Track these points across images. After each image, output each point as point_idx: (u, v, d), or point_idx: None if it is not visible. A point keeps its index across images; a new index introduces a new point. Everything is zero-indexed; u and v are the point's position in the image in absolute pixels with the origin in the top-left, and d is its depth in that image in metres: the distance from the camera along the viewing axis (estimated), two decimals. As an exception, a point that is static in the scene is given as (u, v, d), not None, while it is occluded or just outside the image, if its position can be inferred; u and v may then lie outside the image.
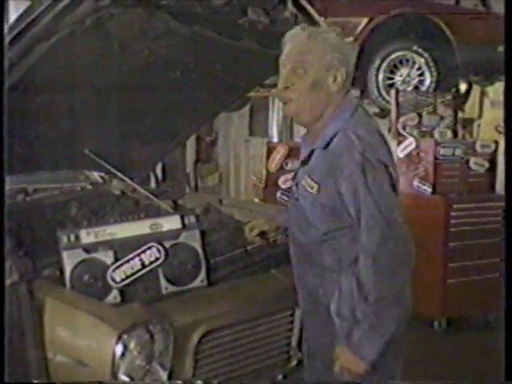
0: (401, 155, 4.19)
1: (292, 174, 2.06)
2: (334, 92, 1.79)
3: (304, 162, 1.87)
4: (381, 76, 4.73)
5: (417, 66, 4.71)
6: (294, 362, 2.20)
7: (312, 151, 1.84)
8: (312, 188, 1.80)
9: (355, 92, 4.84)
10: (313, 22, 2.39)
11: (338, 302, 1.82)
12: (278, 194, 4.03)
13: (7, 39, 1.91)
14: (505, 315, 1.80)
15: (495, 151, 4.27)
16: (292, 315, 2.18)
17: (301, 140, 2.02)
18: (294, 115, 1.85)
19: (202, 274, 2.11)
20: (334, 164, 1.75)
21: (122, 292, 1.98)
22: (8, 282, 1.82)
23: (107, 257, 1.98)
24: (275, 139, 5.25)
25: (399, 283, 1.75)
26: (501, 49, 4.24)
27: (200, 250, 2.11)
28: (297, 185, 1.89)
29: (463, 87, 5.11)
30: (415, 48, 4.60)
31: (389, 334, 1.74)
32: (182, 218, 2.11)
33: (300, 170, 1.89)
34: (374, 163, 1.73)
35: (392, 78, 4.81)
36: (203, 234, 2.14)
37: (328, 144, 1.78)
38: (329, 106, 1.80)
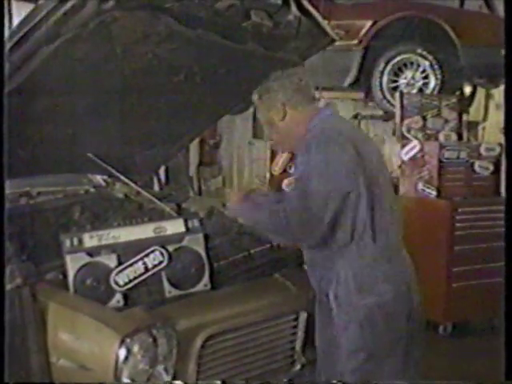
0: (405, 158, 4.17)
1: None
2: (289, 120, 2.03)
3: None
4: (385, 79, 4.72)
5: (421, 68, 4.70)
6: (298, 366, 2.20)
7: None
8: None
9: (359, 95, 4.85)
10: (316, 25, 2.39)
11: (335, 290, 1.94)
12: (282, 198, 4.02)
13: (11, 43, 1.91)
14: (505, 315, 1.79)
15: (500, 154, 4.25)
16: (296, 319, 2.17)
17: None
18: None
19: (206, 278, 2.10)
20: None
21: (125, 296, 1.98)
22: (11, 285, 1.82)
23: (110, 260, 1.98)
24: (279, 142, 5.23)
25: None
26: (505, 51, 4.23)
27: (203, 254, 2.11)
28: None
29: (468, 90, 5.09)
30: (420, 51, 4.59)
31: (262, 227, 2.06)
32: (186, 221, 2.11)
33: None
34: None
35: (396, 81, 4.80)
36: (207, 237, 2.14)
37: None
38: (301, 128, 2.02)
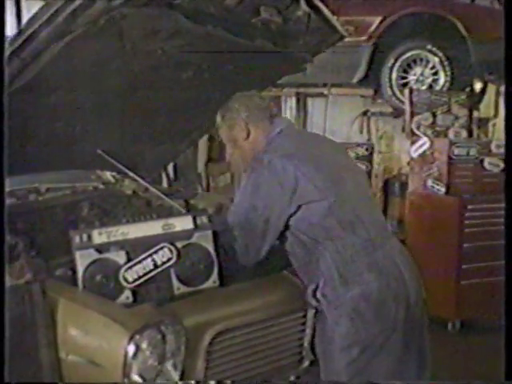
0: (414, 155, 4.16)
1: None
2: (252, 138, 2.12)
3: None
4: (394, 75, 4.70)
5: (431, 65, 4.67)
6: (307, 363, 2.19)
7: None
8: None
9: (369, 91, 4.83)
10: (326, 22, 2.38)
11: (322, 287, 2.02)
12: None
13: (20, 40, 1.92)
14: (505, 315, 1.78)
15: (510, 151, 4.22)
16: (304, 316, 2.17)
17: None
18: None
19: (214, 275, 2.10)
20: None
21: (134, 292, 1.98)
22: (21, 281, 1.83)
23: (119, 257, 1.98)
24: (288, 139, 5.22)
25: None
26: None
27: (212, 251, 2.10)
28: None
29: (478, 86, 5.06)
30: (429, 47, 4.57)
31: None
32: (195, 218, 2.11)
33: None
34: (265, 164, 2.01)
35: (406, 78, 4.77)
36: (215, 234, 2.14)
37: None
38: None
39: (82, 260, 1.96)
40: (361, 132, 5.56)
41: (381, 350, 1.95)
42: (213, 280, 2.10)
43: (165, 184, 4.43)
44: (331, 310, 2.01)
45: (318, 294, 2.03)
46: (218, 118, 2.19)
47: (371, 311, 1.96)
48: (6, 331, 1.62)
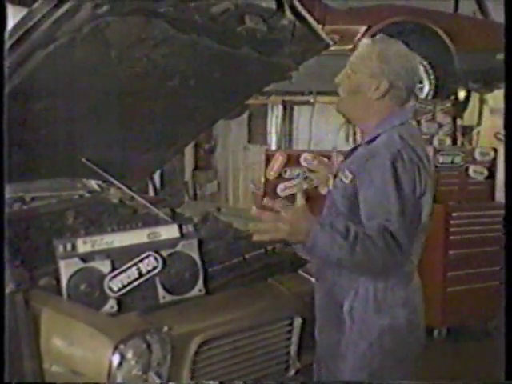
0: (400, 163, 4.17)
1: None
2: (374, 99, 1.87)
3: (346, 158, 1.96)
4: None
5: (415, 73, 4.70)
6: (293, 372, 2.19)
7: (356, 147, 1.93)
8: (346, 178, 1.84)
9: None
10: (311, 30, 2.39)
11: (351, 303, 1.84)
12: (277, 202, 4.01)
13: (5, 46, 1.90)
14: (505, 315, 1.78)
15: (494, 159, 4.26)
16: (291, 324, 2.17)
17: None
18: (339, 111, 1.98)
19: (200, 283, 2.09)
20: (370, 154, 1.81)
21: (119, 301, 1.97)
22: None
23: (104, 266, 1.97)
24: (274, 147, 5.25)
25: (381, 261, 1.72)
26: (500, 56, 4.24)
27: (198, 259, 2.10)
28: (334, 177, 1.95)
29: (462, 95, 5.11)
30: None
31: (331, 260, 1.73)
32: (180, 226, 2.10)
33: (341, 164, 1.96)
34: (407, 162, 1.77)
35: (391, 86, 4.79)
36: (201, 242, 2.13)
37: (372, 141, 1.85)
38: (375, 112, 1.88)
39: (67, 269, 1.95)
40: (347, 139, 5.58)
41: (389, 377, 1.86)
42: (198, 288, 2.09)
43: (151, 192, 4.42)
44: (354, 329, 1.85)
45: (346, 306, 1.86)
46: (360, 59, 1.90)
47: (393, 344, 1.86)
48: (5, 332, 1.61)
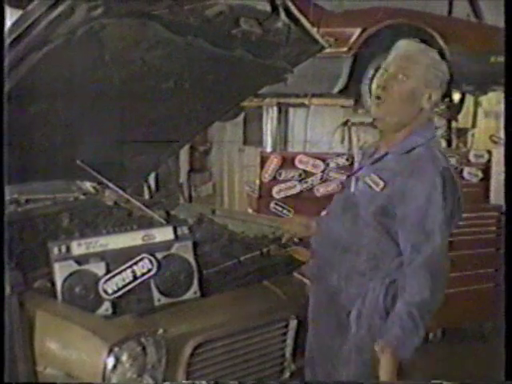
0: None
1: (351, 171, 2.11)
2: (425, 109, 1.85)
3: (374, 162, 1.91)
4: (375, 86, 4.73)
5: (410, 75, 4.70)
6: (288, 374, 2.19)
7: (385, 154, 1.88)
8: (377, 185, 1.83)
9: (349, 102, 4.86)
10: (306, 33, 2.40)
11: (360, 309, 1.84)
12: (272, 204, 4.01)
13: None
14: (505, 314, 1.78)
15: (489, 161, 4.27)
16: (286, 326, 2.16)
17: (366, 147, 2.12)
18: (380, 117, 1.87)
19: (195, 286, 2.09)
20: (413, 167, 1.78)
21: (113, 304, 1.96)
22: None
23: (99, 268, 1.97)
24: (269, 149, 5.24)
25: (441, 287, 1.79)
26: (493, 59, 4.26)
27: (193, 261, 2.10)
28: (357, 181, 1.91)
29: (457, 97, 5.12)
30: (408, 58, 4.60)
31: (422, 338, 1.77)
32: (175, 229, 2.10)
33: (365, 167, 1.93)
34: (454, 180, 1.79)
35: (386, 88, 4.79)
36: (196, 245, 2.13)
37: (409, 151, 1.82)
38: (415, 120, 1.85)
39: (61, 271, 1.94)
40: (342, 142, 5.59)
41: None
42: (193, 291, 2.09)
43: (146, 194, 4.41)
44: (360, 336, 1.85)
45: (354, 313, 1.86)
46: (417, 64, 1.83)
47: None
48: (5, 333, 1.60)
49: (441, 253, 1.77)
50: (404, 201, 1.76)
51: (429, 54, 1.86)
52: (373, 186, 1.83)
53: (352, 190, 1.92)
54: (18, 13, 2.06)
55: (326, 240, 1.97)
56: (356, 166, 2.10)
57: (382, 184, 1.81)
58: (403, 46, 1.88)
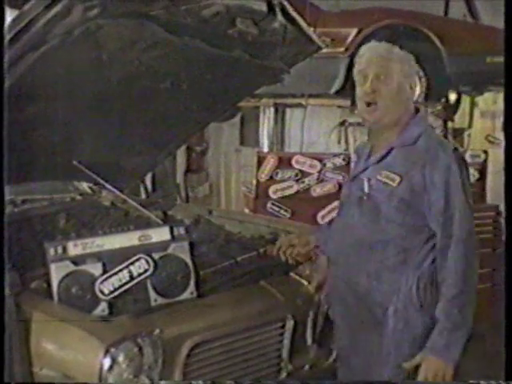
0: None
1: (352, 174, 2.10)
2: (411, 99, 1.93)
3: (380, 160, 1.93)
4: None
5: (407, 76, 4.71)
6: (284, 374, 2.19)
7: (390, 150, 1.91)
8: (393, 181, 1.85)
9: (346, 102, 4.87)
10: (302, 33, 2.40)
11: (395, 305, 1.85)
12: (269, 204, 4.01)
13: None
14: (505, 314, 1.79)
15: (485, 161, 4.29)
16: (282, 327, 2.16)
17: (361, 146, 2.14)
18: (376, 119, 1.91)
19: (192, 286, 2.09)
20: (425, 157, 1.83)
21: (110, 304, 1.96)
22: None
23: (95, 269, 1.96)
24: (266, 149, 5.25)
25: (476, 278, 1.81)
26: (489, 59, 4.27)
27: (189, 262, 2.09)
28: (369, 180, 1.92)
29: (453, 97, 5.14)
30: (405, 58, 4.61)
31: (469, 332, 1.77)
32: (171, 229, 2.10)
33: (372, 167, 1.95)
34: (463, 159, 1.86)
35: (382, 89, 4.80)
36: (193, 245, 2.13)
37: (414, 142, 1.88)
38: (406, 112, 1.92)
39: (57, 272, 1.94)
40: (339, 142, 5.60)
41: None
42: (190, 291, 2.09)
43: (143, 195, 4.41)
44: (398, 330, 1.86)
45: (391, 309, 1.86)
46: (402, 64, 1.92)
47: None
48: (5, 332, 1.60)
49: (470, 235, 1.80)
50: (425, 191, 1.81)
51: (394, 50, 1.94)
52: (389, 182, 1.86)
53: (366, 190, 1.93)
54: (11, 13, 2.06)
55: (347, 245, 1.97)
56: (353, 166, 2.11)
57: (398, 179, 1.84)
58: (371, 49, 1.96)
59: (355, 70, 1.98)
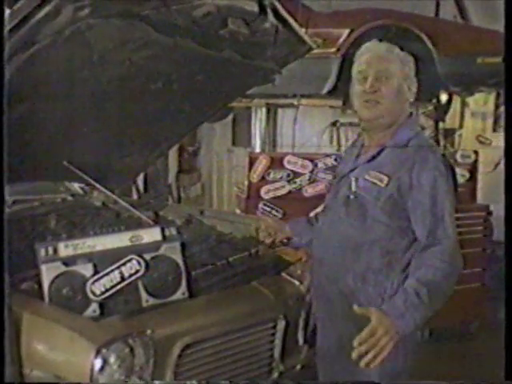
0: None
1: (340, 173, 2.10)
2: (409, 101, 1.96)
3: (370, 160, 1.94)
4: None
5: (398, 76, 4.72)
6: (276, 374, 2.19)
7: (381, 150, 1.93)
8: (381, 181, 1.87)
9: (338, 102, 4.88)
10: (294, 33, 2.40)
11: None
12: (260, 205, 4.02)
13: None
14: (505, 314, 1.79)
15: (476, 161, 4.30)
16: (274, 327, 2.17)
17: (349, 146, 2.18)
18: (373, 119, 1.93)
19: (183, 287, 2.09)
20: (414, 158, 1.84)
21: (101, 305, 1.95)
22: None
23: (86, 270, 1.96)
24: (258, 149, 5.25)
25: (455, 274, 1.80)
26: (480, 60, 4.29)
27: (181, 262, 2.09)
28: (357, 180, 1.93)
29: (444, 98, 5.16)
30: (396, 59, 4.62)
31: (426, 317, 1.75)
32: (163, 229, 2.09)
33: (361, 166, 1.95)
34: (450, 165, 1.88)
35: (374, 89, 4.81)
36: (184, 245, 2.13)
37: (406, 144, 1.90)
38: (403, 114, 1.94)
39: (48, 273, 1.93)
40: (331, 142, 5.61)
41: None
42: (181, 292, 2.09)
43: (134, 195, 4.40)
44: None
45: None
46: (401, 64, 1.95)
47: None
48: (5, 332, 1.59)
49: (454, 238, 1.80)
50: (412, 191, 1.82)
51: (395, 50, 1.96)
52: (377, 182, 1.87)
53: (353, 189, 1.94)
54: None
55: (333, 244, 1.97)
56: (342, 166, 2.11)
57: (386, 179, 1.85)
58: (372, 48, 1.97)
59: (354, 69, 1.98)
